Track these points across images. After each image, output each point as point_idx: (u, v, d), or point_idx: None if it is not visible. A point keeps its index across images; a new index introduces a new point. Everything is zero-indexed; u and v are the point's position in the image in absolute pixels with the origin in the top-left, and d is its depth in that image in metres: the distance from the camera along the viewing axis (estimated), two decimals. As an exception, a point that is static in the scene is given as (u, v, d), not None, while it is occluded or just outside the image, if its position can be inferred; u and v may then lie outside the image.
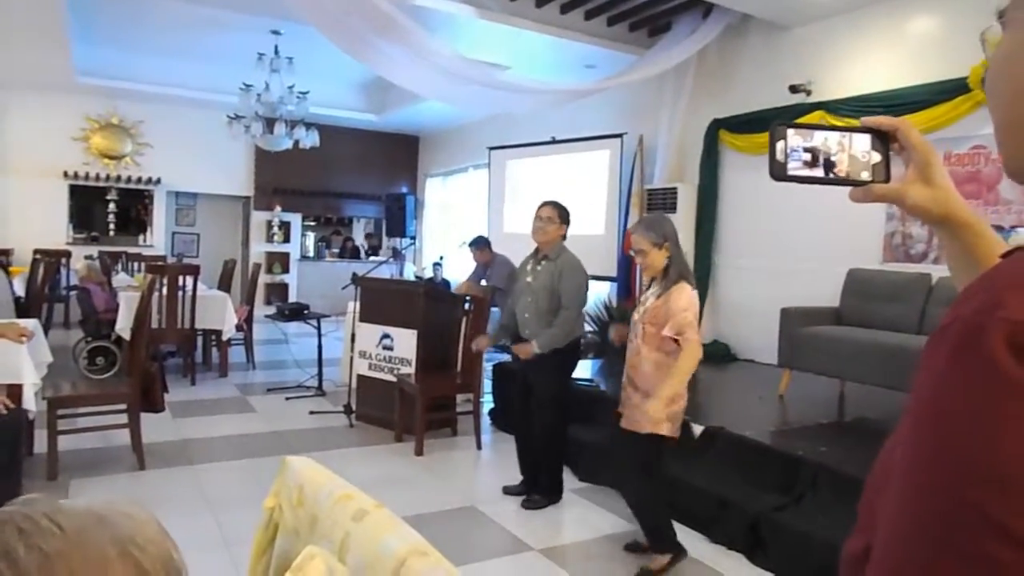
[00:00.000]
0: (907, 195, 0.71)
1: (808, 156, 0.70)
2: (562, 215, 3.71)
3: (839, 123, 5.41)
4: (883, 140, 0.72)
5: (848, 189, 0.73)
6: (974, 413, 0.36)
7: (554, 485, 3.81)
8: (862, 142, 0.71)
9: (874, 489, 0.47)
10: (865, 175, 0.71)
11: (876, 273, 4.85)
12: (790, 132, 0.71)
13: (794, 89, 5.68)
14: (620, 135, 7.09)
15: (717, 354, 6.13)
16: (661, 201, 6.71)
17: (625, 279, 6.88)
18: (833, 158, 0.71)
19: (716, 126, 6.40)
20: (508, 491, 3.88)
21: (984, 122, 4.45)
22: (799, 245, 5.67)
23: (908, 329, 4.30)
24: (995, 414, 0.35)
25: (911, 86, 4.94)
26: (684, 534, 3.31)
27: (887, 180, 0.71)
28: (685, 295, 2.81)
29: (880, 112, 5.23)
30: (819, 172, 0.71)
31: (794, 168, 0.70)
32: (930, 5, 4.97)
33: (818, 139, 0.71)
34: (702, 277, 6.44)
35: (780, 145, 0.70)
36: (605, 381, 5.20)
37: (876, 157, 0.71)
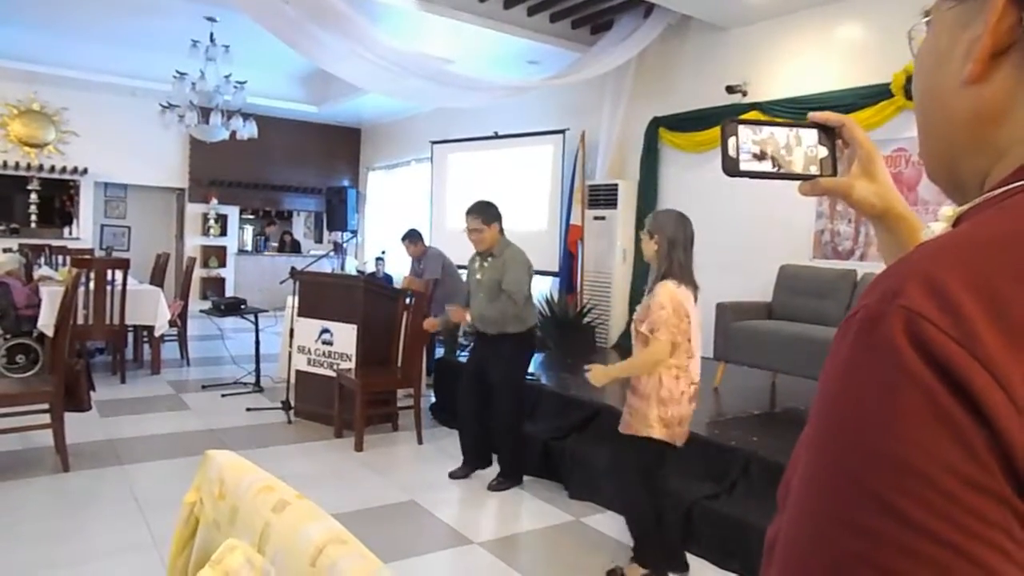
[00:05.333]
0: (852, 189, 0.72)
1: (758, 151, 0.71)
2: (486, 218, 3.80)
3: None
4: (829, 135, 0.73)
5: (795, 183, 0.73)
6: (871, 398, 0.37)
7: (517, 469, 3.95)
8: (809, 137, 0.72)
9: (791, 470, 0.49)
10: (813, 169, 0.72)
11: (806, 269, 5.03)
12: (741, 128, 0.71)
13: (731, 89, 5.84)
14: (562, 131, 7.14)
15: (656, 348, 6.25)
16: (603, 197, 6.80)
17: (567, 274, 6.95)
18: (782, 153, 0.71)
19: (656, 124, 6.52)
20: (454, 475, 4.00)
21: (905, 126, 4.67)
22: (735, 241, 5.83)
23: (835, 323, 4.45)
24: (890, 400, 0.36)
25: (840, 89, 5.13)
26: (617, 523, 3.37)
27: (834, 174, 0.72)
28: (665, 292, 2.74)
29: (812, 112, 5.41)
30: (770, 167, 0.71)
31: (745, 163, 0.71)
32: (858, 13, 5.17)
33: (768, 134, 0.71)
34: (642, 272, 6.56)
35: (732, 141, 0.71)
36: (547, 375, 5.25)
37: (823, 152, 0.72)
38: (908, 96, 4.68)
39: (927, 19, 0.52)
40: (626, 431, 2.82)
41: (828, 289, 4.70)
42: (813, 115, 0.73)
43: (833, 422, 0.39)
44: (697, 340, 2.84)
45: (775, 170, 0.71)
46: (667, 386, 2.75)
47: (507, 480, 3.90)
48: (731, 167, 0.71)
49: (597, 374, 2.81)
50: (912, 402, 0.35)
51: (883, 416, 0.36)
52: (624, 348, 5.99)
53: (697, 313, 2.84)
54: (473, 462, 4.04)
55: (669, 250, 2.80)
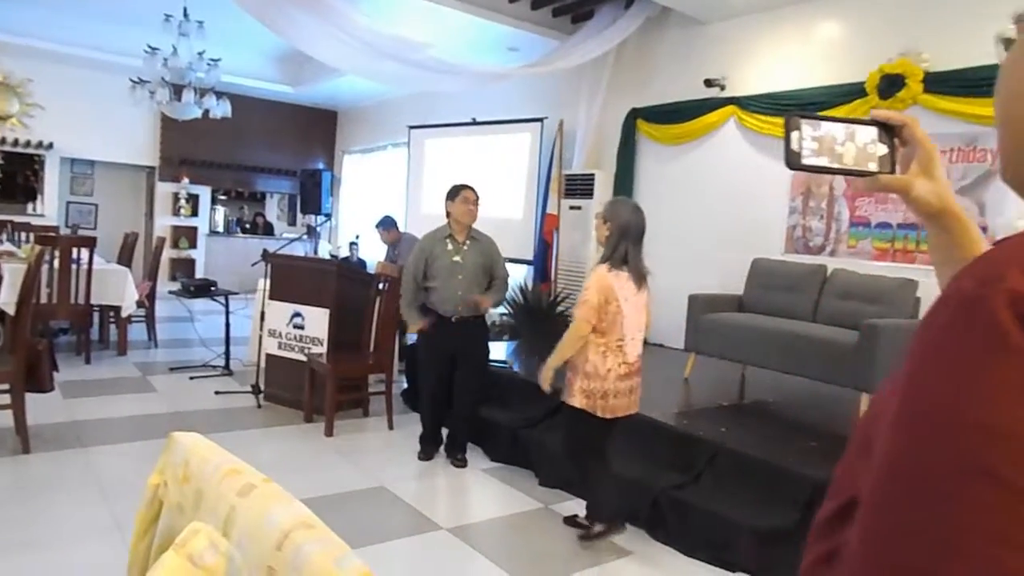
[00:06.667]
0: (912, 187, 0.74)
1: (817, 146, 0.73)
2: (478, 196, 3.99)
3: (761, 118, 5.63)
4: (889, 133, 0.74)
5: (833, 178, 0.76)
6: (970, 370, 0.38)
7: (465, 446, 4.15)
8: (869, 134, 0.74)
9: (855, 454, 0.50)
10: (872, 166, 0.74)
11: (778, 263, 5.09)
12: (803, 123, 0.73)
13: (709, 83, 5.87)
14: (541, 119, 7.12)
15: (628, 338, 6.30)
16: (579, 187, 6.80)
17: (542, 263, 6.95)
18: (842, 149, 0.73)
19: (634, 115, 6.54)
20: (422, 457, 4.11)
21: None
22: (708, 234, 5.87)
23: (804, 317, 4.54)
24: (992, 371, 0.37)
25: (815, 87, 5.19)
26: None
27: (893, 171, 0.74)
28: (593, 277, 2.98)
29: (788, 109, 5.48)
30: (831, 162, 0.73)
31: (807, 157, 0.73)
32: (835, 12, 5.22)
33: (828, 130, 0.73)
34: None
35: (795, 135, 0.72)
36: (519, 363, 5.26)
37: (883, 149, 0.74)
38: (882, 96, 4.74)
39: (1019, 24, 0.53)
40: (563, 399, 3.08)
41: (799, 284, 4.76)
42: (875, 113, 0.75)
43: (929, 393, 0.41)
44: (637, 322, 3.03)
45: (836, 165, 0.74)
46: (592, 361, 2.96)
47: (463, 453, 4.08)
48: (794, 161, 0.73)
49: (545, 376, 3.04)
50: (1015, 373, 0.37)
51: (983, 386, 0.38)
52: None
53: (641, 299, 3.04)
54: (436, 443, 4.16)
55: (619, 238, 2.98)
